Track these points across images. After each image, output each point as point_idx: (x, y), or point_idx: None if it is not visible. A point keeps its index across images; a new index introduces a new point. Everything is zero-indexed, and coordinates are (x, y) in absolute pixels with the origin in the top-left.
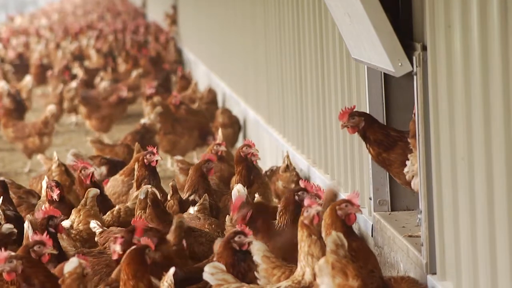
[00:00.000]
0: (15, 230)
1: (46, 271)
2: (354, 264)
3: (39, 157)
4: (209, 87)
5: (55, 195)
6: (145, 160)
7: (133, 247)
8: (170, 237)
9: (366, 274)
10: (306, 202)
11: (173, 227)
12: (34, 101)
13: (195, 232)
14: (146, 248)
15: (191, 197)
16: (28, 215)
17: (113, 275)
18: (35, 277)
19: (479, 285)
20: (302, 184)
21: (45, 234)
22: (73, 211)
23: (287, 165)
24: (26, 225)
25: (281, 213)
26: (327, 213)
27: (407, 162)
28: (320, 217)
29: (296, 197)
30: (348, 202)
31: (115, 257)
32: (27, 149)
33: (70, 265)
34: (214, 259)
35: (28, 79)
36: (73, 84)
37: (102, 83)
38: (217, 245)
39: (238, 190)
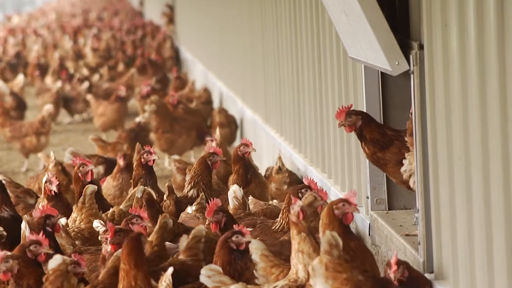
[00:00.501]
0: (5, 233)
1: (39, 273)
2: (347, 265)
3: (40, 155)
4: (205, 86)
5: (53, 187)
6: (142, 160)
7: (129, 236)
8: (152, 237)
9: (359, 274)
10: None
11: (156, 227)
12: (29, 100)
13: (189, 232)
14: (141, 235)
15: (190, 193)
16: (25, 215)
17: (100, 277)
18: (26, 279)
19: (476, 283)
20: (305, 181)
21: (41, 233)
22: (74, 209)
23: (279, 167)
24: (23, 225)
25: (284, 211)
26: (324, 212)
27: (404, 161)
28: (304, 213)
29: (300, 195)
30: (345, 201)
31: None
32: (24, 149)
33: (54, 262)
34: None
35: (20, 78)
36: (58, 84)
37: (85, 84)
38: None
39: (234, 190)
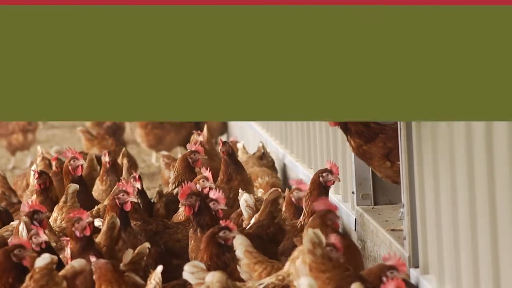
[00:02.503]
0: None
1: None
2: (330, 264)
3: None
4: None
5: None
6: (117, 201)
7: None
8: (100, 238)
9: (341, 273)
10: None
11: (104, 228)
12: None
13: (170, 229)
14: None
15: (175, 191)
16: (24, 217)
17: None
18: None
19: (461, 277)
20: (327, 164)
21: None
22: (55, 209)
23: (263, 153)
24: (21, 226)
25: (307, 198)
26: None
27: None
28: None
29: (321, 179)
30: (328, 212)
31: None
32: (11, 146)
33: (42, 261)
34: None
35: None
36: None
37: None
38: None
39: (245, 200)
